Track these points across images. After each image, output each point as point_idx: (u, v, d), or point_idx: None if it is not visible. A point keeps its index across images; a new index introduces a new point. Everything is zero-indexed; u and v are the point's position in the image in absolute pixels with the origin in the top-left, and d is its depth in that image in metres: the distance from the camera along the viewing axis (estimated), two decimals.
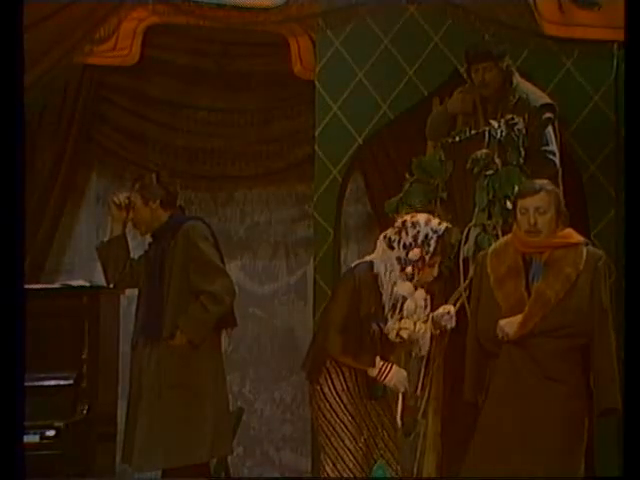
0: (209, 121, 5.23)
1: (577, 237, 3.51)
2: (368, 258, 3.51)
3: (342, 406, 3.44)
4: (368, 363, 3.43)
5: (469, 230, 4.03)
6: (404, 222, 3.47)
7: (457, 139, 4.13)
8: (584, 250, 3.46)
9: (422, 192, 4.17)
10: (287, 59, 5.00)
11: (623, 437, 3.10)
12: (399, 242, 3.44)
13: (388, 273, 3.43)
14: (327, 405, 3.45)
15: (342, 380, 3.46)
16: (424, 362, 3.93)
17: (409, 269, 3.40)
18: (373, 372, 3.44)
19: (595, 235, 4.48)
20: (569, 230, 3.53)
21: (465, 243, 4.03)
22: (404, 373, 3.47)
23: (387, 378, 3.44)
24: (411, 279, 3.42)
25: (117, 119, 5.23)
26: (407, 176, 4.21)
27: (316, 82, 4.72)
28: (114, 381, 4.43)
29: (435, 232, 3.43)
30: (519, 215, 3.47)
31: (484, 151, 4.03)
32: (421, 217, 3.49)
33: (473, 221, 4.04)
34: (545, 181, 3.59)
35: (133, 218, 4.06)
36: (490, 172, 4.02)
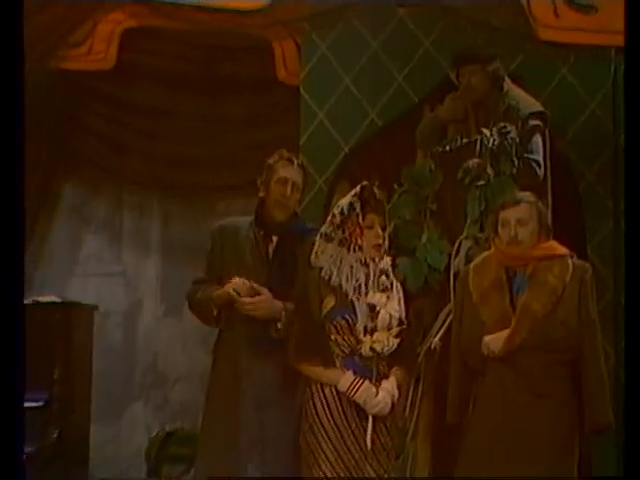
0: (190, 129, 5.24)
1: (561, 249, 3.51)
2: (315, 265, 3.52)
3: (321, 428, 3.41)
4: (329, 366, 3.42)
5: (460, 243, 4.02)
6: (332, 213, 3.55)
7: (448, 148, 4.12)
8: (569, 262, 3.47)
9: (411, 203, 4.17)
10: (271, 64, 5.01)
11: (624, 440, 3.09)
12: (333, 229, 3.50)
13: (338, 263, 3.47)
14: (306, 427, 3.43)
15: (323, 400, 3.43)
16: (413, 381, 3.94)
17: (354, 240, 3.47)
18: (343, 386, 3.42)
19: (592, 248, 4.47)
20: (552, 242, 3.54)
21: (456, 257, 4.01)
22: (374, 390, 3.43)
23: (357, 394, 3.41)
24: (360, 249, 3.47)
25: (94, 126, 5.25)
26: (396, 186, 4.20)
27: (301, 88, 4.72)
28: (87, 402, 4.43)
29: (355, 195, 3.51)
30: (500, 228, 3.50)
31: (476, 161, 4.03)
32: (342, 199, 3.57)
33: (464, 234, 4.03)
34: (528, 193, 3.60)
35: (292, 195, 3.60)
36: (482, 182, 4.01)
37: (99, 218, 5.44)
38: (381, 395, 3.43)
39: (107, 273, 5.38)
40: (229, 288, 3.49)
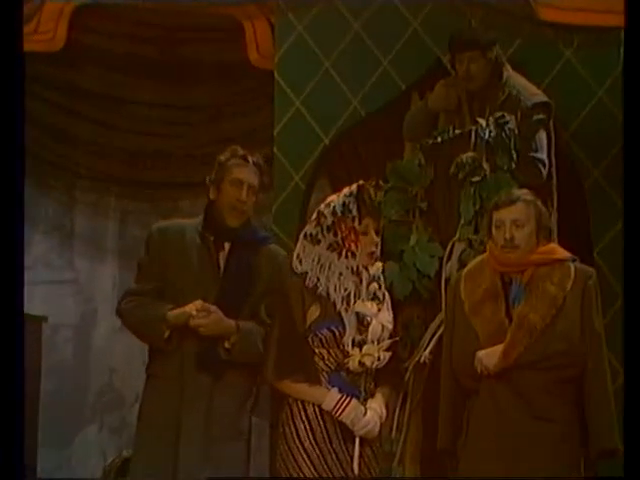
0: (150, 119, 5.15)
1: (562, 253, 3.47)
2: (299, 270, 3.43)
3: (302, 451, 3.35)
4: (313, 383, 3.38)
5: (453, 246, 3.98)
6: (318, 211, 3.45)
7: (439, 140, 4.07)
8: (571, 267, 3.42)
9: (398, 201, 4.11)
10: (242, 46, 4.90)
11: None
12: (322, 230, 3.41)
13: (326, 270, 3.40)
14: (285, 448, 3.37)
15: (305, 420, 3.37)
16: (400, 399, 3.91)
17: (346, 246, 3.41)
18: (329, 405, 3.36)
19: (599, 252, 4.42)
20: (552, 245, 3.51)
21: (448, 261, 3.97)
22: (362, 409, 3.37)
23: (344, 413, 3.36)
24: (353, 256, 3.41)
25: (41, 116, 5.09)
26: (381, 183, 4.05)
27: (275, 73, 4.68)
28: (34, 426, 4.33)
29: (350, 194, 3.42)
30: (494, 229, 3.46)
31: (470, 154, 3.98)
32: (332, 196, 3.48)
33: (457, 235, 3.99)
34: (524, 190, 3.58)
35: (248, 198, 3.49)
36: (477, 178, 3.97)
37: (47, 219, 5.39)
38: (369, 415, 3.38)
39: (57, 280, 5.35)
40: (192, 310, 3.40)
